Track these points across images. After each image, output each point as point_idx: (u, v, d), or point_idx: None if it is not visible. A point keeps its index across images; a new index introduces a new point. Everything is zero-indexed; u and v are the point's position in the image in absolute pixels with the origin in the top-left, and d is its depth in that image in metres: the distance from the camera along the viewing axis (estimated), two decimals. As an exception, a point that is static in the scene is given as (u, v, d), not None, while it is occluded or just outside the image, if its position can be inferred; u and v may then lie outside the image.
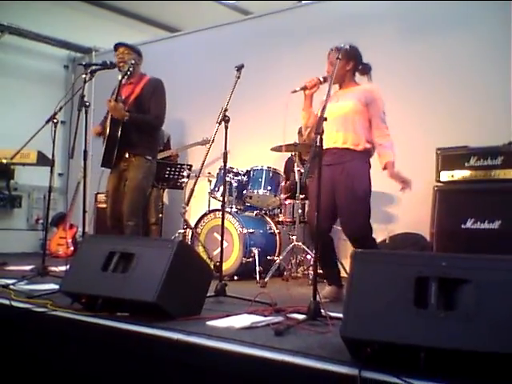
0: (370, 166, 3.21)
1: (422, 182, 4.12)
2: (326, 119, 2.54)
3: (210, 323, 2.23)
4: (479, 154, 3.88)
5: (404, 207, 4.51)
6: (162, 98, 3.89)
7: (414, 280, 1.66)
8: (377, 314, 1.66)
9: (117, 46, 3.91)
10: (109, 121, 3.71)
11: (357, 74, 3.32)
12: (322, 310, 2.33)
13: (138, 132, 3.75)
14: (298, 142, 4.48)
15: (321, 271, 3.90)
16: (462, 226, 3.77)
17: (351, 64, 3.24)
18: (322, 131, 2.55)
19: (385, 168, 3.13)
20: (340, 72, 3.18)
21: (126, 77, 3.73)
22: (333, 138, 3.17)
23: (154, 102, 3.82)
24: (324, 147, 3.16)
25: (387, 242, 4.05)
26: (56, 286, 2.84)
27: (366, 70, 3.31)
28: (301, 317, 2.35)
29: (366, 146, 3.17)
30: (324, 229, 3.17)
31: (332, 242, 3.26)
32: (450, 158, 3.97)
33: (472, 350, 1.50)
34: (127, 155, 3.74)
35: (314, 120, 3.27)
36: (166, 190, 5.64)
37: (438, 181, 4.01)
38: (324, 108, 2.56)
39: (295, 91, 3.11)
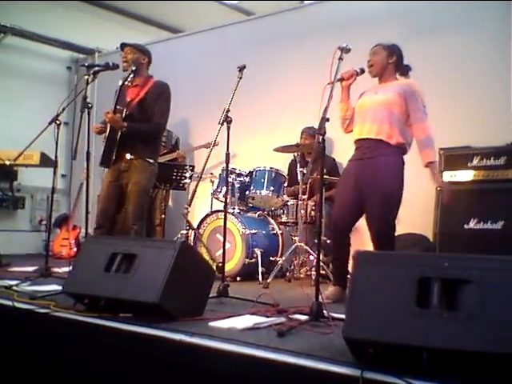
0: (404, 163, 3.16)
1: (425, 182, 4.12)
2: (328, 120, 2.54)
3: (212, 324, 2.23)
4: (482, 154, 3.86)
5: (407, 208, 4.46)
6: (167, 103, 3.84)
7: (416, 280, 1.66)
8: (379, 314, 1.66)
9: (121, 46, 3.89)
10: (108, 124, 3.71)
11: (397, 74, 3.31)
12: (325, 311, 2.33)
13: (139, 136, 3.74)
14: (299, 142, 4.48)
15: (323, 271, 3.92)
16: (465, 227, 3.76)
17: (394, 58, 3.25)
18: (325, 132, 2.55)
19: (426, 166, 3.11)
20: (382, 63, 3.21)
21: (126, 82, 3.70)
22: (366, 129, 3.16)
23: (158, 107, 3.77)
24: (356, 138, 3.21)
25: (390, 242, 4.03)
26: (59, 287, 2.84)
27: (405, 70, 3.32)
28: (303, 318, 2.36)
29: (400, 140, 3.12)
30: (344, 227, 3.17)
31: (349, 241, 3.23)
32: (452, 158, 3.96)
33: (474, 351, 1.49)
34: (128, 156, 3.72)
35: (353, 112, 3.29)
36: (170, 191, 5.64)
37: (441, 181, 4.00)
38: (326, 108, 2.56)
39: (332, 83, 3.01)
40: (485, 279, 1.59)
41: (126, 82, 3.74)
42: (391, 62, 3.25)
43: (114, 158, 3.69)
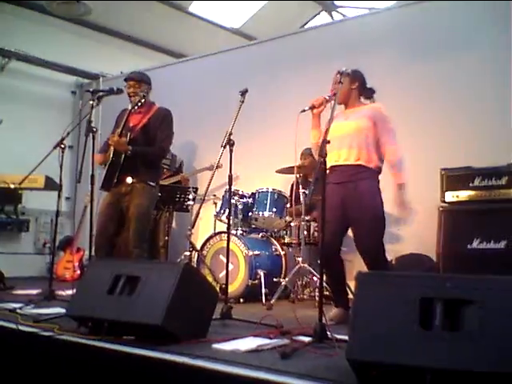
0: (379, 183, 3.24)
1: (428, 202, 4.13)
2: (329, 142, 2.58)
3: (215, 346, 2.23)
4: (483, 174, 3.89)
5: (410, 228, 4.50)
6: (169, 128, 3.92)
7: (418, 301, 1.67)
8: (382, 335, 1.66)
9: (127, 80, 3.97)
10: (111, 149, 3.75)
11: (361, 98, 3.37)
12: (329, 333, 2.32)
13: (142, 160, 3.79)
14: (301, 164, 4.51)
15: (327, 293, 3.91)
16: (468, 247, 3.76)
17: (356, 84, 3.32)
18: (326, 154, 2.58)
19: (399, 188, 3.15)
20: (344, 91, 3.25)
21: (135, 108, 3.77)
22: (343, 155, 3.21)
23: (161, 132, 3.85)
24: (332, 164, 3.24)
25: (393, 262, 4.03)
26: (63, 310, 2.85)
27: (369, 93, 3.39)
28: (307, 339, 2.35)
29: (378, 163, 3.20)
30: (334, 250, 3.18)
31: (342, 262, 3.26)
32: (454, 178, 3.98)
33: (477, 371, 1.49)
34: (130, 180, 3.76)
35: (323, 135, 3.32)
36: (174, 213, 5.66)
37: (443, 201, 4.02)
38: (327, 131, 2.60)
39: (304, 111, 3.16)
40: (486, 300, 1.60)
41: (131, 109, 3.79)
42: (354, 88, 3.32)
43: (115, 181, 3.73)
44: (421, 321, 1.64)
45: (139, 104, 3.77)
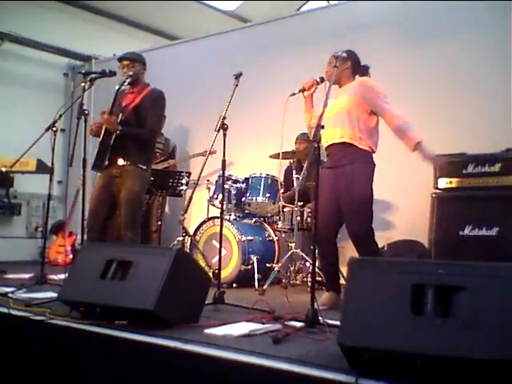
0: (375, 165, 3.20)
1: (421, 189, 4.14)
2: (323, 127, 2.57)
3: (207, 331, 2.23)
4: (477, 161, 3.89)
5: (402, 214, 4.52)
6: (160, 110, 3.89)
7: (410, 287, 1.67)
8: (374, 321, 1.66)
9: (120, 60, 3.92)
10: (103, 127, 3.72)
11: (357, 76, 3.34)
12: (320, 318, 2.33)
13: (133, 141, 3.75)
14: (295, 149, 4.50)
15: (319, 278, 3.93)
16: (460, 233, 3.78)
17: (348, 63, 3.29)
18: (320, 139, 2.58)
19: (415, 150, 3.08)
20: (337, 71, 3.22)
21: (123, 86, 3.73)
22: (331, 134, 3.22)
23: (151, 113, 3.80)
24: (325, 145, 3.24)
25: (385, 249, 4.05)
26: (55, 295, 2.83)
27: (364, 70, 3.35)
28: (299, 324, 2.36)
29: (365, 141, 3.15)
30: (328, 234, 3.19)
31: (336, 249, 3.27)
32: (447, 165, 3.98)
33: (467, 357, 1.50)
34: (121, 162, 3.73)
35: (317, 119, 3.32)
36: (167, 197, 5.65)
37: (436, 188, 4.02)
38: (321, 115, 2.58)
39: (294, 94, 3.16)
40: (477, 286, 1.60)
41: (123, 88, 3.75)
42: (346, 68, 3.29)
43: (106, 162, 3.70)
44: (412, 307, 1.64)
45: (126, 83, 3.71)
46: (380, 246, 4.04)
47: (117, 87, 3.72)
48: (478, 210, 3.78)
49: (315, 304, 2.39)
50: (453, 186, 3.95)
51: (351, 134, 3.15)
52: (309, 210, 4.42)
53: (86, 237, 3.74)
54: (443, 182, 3.99)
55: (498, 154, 3.87)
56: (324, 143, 3.27)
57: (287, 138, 4.84)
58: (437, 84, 4.43)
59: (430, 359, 1.54)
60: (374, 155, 3.23)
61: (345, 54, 3.12)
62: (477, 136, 4.16)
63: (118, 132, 3.65)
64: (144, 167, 3.79)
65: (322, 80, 3.28)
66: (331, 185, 3.18)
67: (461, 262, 1.76)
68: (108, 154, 3.69)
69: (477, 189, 3.86)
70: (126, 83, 3.71)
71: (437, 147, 4.15)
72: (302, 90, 3.24)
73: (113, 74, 3.76)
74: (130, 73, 3.76)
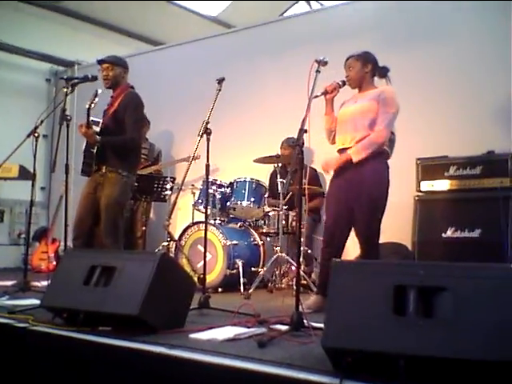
0: (388, 167, 3.22)
1: (404, 192, 4.18)
2: (306, 131, 2.58)
3: (192, 336, 2.23)
4: (458, 163, 3.94)
5: (386, 217, 4.52)
6: (136, 113, 3.79)
7: (392, 289, 1.68)
8: (357, 322, 1.68)
9: (99, 62, 3.88)
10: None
11: (375, 78, 3.37)
12: (305, 321, 2.34)
13: (113, 148, 3.72)
14: (280, 153, 4.52)
15: (305, 282, 3.94)
16: (443, 235, 3.83)
17: (369, 66, 3.31)
18: (303, 143, 2.59)
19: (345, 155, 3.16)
20: (358, 75, 3.28)
21: (92, 104, 3.58)
22: (349, 138, 3.21)
23: (127, 118, 3.72)
24: (340, 147, 3.27)
25: (370, 251, 4.07)
26: (38, 302, 2.81)
27: (383, 72, 3.36)
28: (284, 328, 2.36)
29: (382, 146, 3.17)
30: (339, 238, 3.20)
31: (345, 240, 3.26)
32: (429, 167, 4.03)
33: (449, 357, 1.52)
34: (104, 169, 3.70)
35: (337, 124, 3.34)
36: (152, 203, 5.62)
37: (419, 190, 4.07)
38: (304, 120, 2.60)
39: (317, 96, 3.06)
40: (459, 287, 1.62)
41: (94, 103, 3.63)
42: (367, 72, 3.31)
43: (94, 167, 3.69)
44: (395, 308, 1.65)
45: (93, 104, 3.58)
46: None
47: (87, 106, 3.59)
48: (460, 212, 3.83)
49: (300, 307, 2.40)
50: (435, 188, 4.00)
51: None
52: (294, 214, 4.44)
53: (71, 245, 3.71)
54: (425, 185, 4.04)
55: (479, 156, 3.93)
56: (339, 145, 3.27)
57: (273, 142, 4.91)
58: (419, 87, 4.48)
59: (413, 360, 1.56)
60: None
61: (327, 59, 3.10)
62: (458, 139, 4.21)
63: (98, 144, 3.62)
64: (125, 173, 3.73)
65: (344, 83, 3.29)
66: (345, 186, 3.18)
67: (442, 262, 1.78)
68: (93, 160, 3.68)
69: (459, 191, 3.91)
70: (95, 100, 3.59)
71: (419, 150, 4.23)
72: (325, 93, 3.23)
73: (95, 78, 3.74)
74: (97, 92, 3.61)
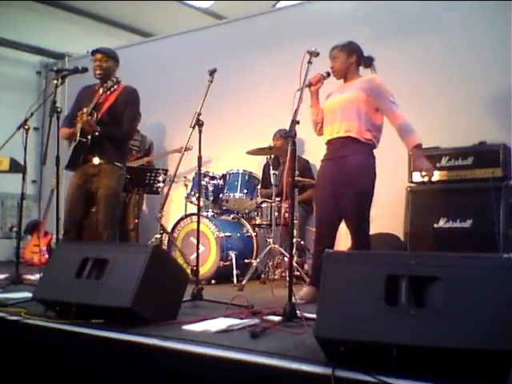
0: (375, 158, 3.23)
1: (396, 182, 4.19)
2: (298, 122, 2.57)
3: (185, 327, 2.23)
4: (450, 154, 3.96)
5: (379, 208, 4.52)
6: (136, 108, 3.85)
7: (384, 278, 1.69)
8: (349, 313, 1.68)
9: (94, 53, 3.85)
10: (78, 127, 3.66)
11: (360, 68, 3.37)
12: (298, 311, 2.35)
13: (109, 140, 3.71)
14: (272, 145, 4.51)
15: (298, 273, 3.96)
16: (435, 226, 3.84)
17: (354, 57, 3.31)
18: (295, 134, 2.59)
19: (411, 152, 3.18)
20: (343, 66, 3.28)
21: (107, 90, 3.66)
22: (336, 128, 3.22)
23: (127, 113, 3.76)
24: (328, 138, 3.27)
25: (362, 242, 4.09)
26: (30, 295, 2.80)
27: (368, 62, 3.36)
28: (277, 318, 2.37)
29: (368, 136, 3.17)
30: (328, 218, 3.21)
31: (335, 235, 3.27)
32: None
33: (441, 347, 1.53)
34: (97, 161, 3.68)
35: (323, 115, 3.34)
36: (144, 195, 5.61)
37: (411, 181, 4.08)
38: (296, 111, 2.59)
39: (300, 89, 3.10)
40: (450, 276, 1.63)
41: (96, 86, 3.70)
42: (352, 62, 3.31)
43: (80, 161, 3.66)
44: (387, 298, 1.66)
45: (111, 88, 3.66)
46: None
47: (100, 91, 3.64)
48: (451, 203, 3.85)
49: (293, 298, 2.40)
50: (427, 179, 4.01)
51: (358, 130, 3.15)
52: (287, 206, 4.44)
53: (62, 239, 3.69)
54: (417, 176, 4.04)
55: (470, 147, 3.95)
56: (327, 136, 3.28)
57: (265, 134, 4.90)
58: (410, 79, 4.48)
59: (405, 349, 1.57)
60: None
61: (318, 50, 3.09)
62: (450, 130, 4.22)
63: (97, 134, 3.61)
64: (120, 165, 3.76)
65: (329, 74, 3.28)
66: (331, 178, 3.20)
67: (434, 252, 1.79)
68: (83, 153, 3.65)
69: (450, 182, 3.93)
70: (110, 88, 3.65)
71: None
72: (309, 85, 3.21)
73: (85, 70, 3.71)
74: (115, 79, 3.66)
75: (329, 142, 3.29)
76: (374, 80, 3.24)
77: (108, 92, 3.73)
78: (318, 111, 3.37)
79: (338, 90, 3.33)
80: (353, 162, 3.14)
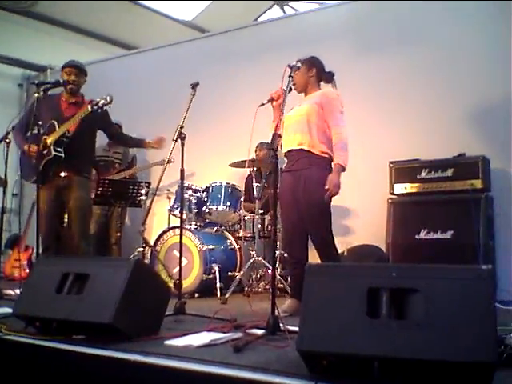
0: (331, 172, 3.22)
1: (377, 194, 4.23)
2: (280, 136, 2.60)
3: (168, 342, 2.21)
4: (430, 166, 4.01)
5: (361, 219, 4.60)
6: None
7: (366, 291, 1.70)
8: (331, 325, 1.69)
9: (71, 66, 3.85)
10: (50, 140, 3.65)
11: (322, 83, 3.41)
12: (281, 325, 2.35)
13: (81, 152, 3.77)
14: (255, 157, 4.53)
15: (281, 285, 3.96)
16: (416, 237, 3.88)
17: (313, 71, 3.36)
18: (277, 147, 2.61)
19: (335, 165, 3.15)
20: (303, 79, 3.32)
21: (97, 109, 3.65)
22: (290, 140, 3.27)
23: (110, 123, 3.97)
24: (285, 150, 3.31)
25: (345, 254, 4.11)
26: (10, 310, 2.75)
27: (329, 77, 3.42)
28: (260, 332, 2.36)
29: (322, 148, 3.20)
30: (296, 234, 3.24)
31: (306, 248, 3.29)
32: (402, 170, 4.09)
33: (422, 359, 1.54)
34: (66, 173, 3.73)
35: (274, 128, 3.36)
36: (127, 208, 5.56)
37: (392, 193, 4.12)
38: (277, 125, 2.62)
39: (263, 104, 3.18)
40: (430, 288, 1.65)
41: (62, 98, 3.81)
42: (311, 75, 3.36)
43: (51, 174, 3.69)
44: (368, 310, 1.67)
45: (101, 108, 3.65)
46: (340, 251, 4.10)
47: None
48: (432, 214, 3.89)
49: (276, 311, 2.40)
50: (408, 191, 4.06)
51: (309, 142, 3.20)
52: (270, 218, 4.45)
53: (42, 255, 3.66)
54: (399, 188, 4.09)
55: (450, 159, 4.00)
56: (284, 148, 3.32)
57: (248, 147, 4.90)
58: (390, 92, 4.55)
59: (387, 361, 1.58)
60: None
61: (299, 64, 3.16)
62: (430, 142, 4.28)
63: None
64: (88, 175, 3.93)
65: (290, 89, 3.31)
66: (291, 188, 3.24)
67: (414, 264, 1.80)
68: (54, 166, 3.68)
69: (431, 193, 3.97)
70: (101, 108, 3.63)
71: (391, 153, 4.28)
72: (271, 100, 3.26)
73: (66, 83, 3.71)
74: (105, 101, 3.61)
75: (286, 155, 3.36)
76: (326, 94, 3.30)
77: (74, 101, 3.81)
78: (279, 126, 3.39)
79: (298, 103, 3.38)
80: (307, 176, 3.19)
